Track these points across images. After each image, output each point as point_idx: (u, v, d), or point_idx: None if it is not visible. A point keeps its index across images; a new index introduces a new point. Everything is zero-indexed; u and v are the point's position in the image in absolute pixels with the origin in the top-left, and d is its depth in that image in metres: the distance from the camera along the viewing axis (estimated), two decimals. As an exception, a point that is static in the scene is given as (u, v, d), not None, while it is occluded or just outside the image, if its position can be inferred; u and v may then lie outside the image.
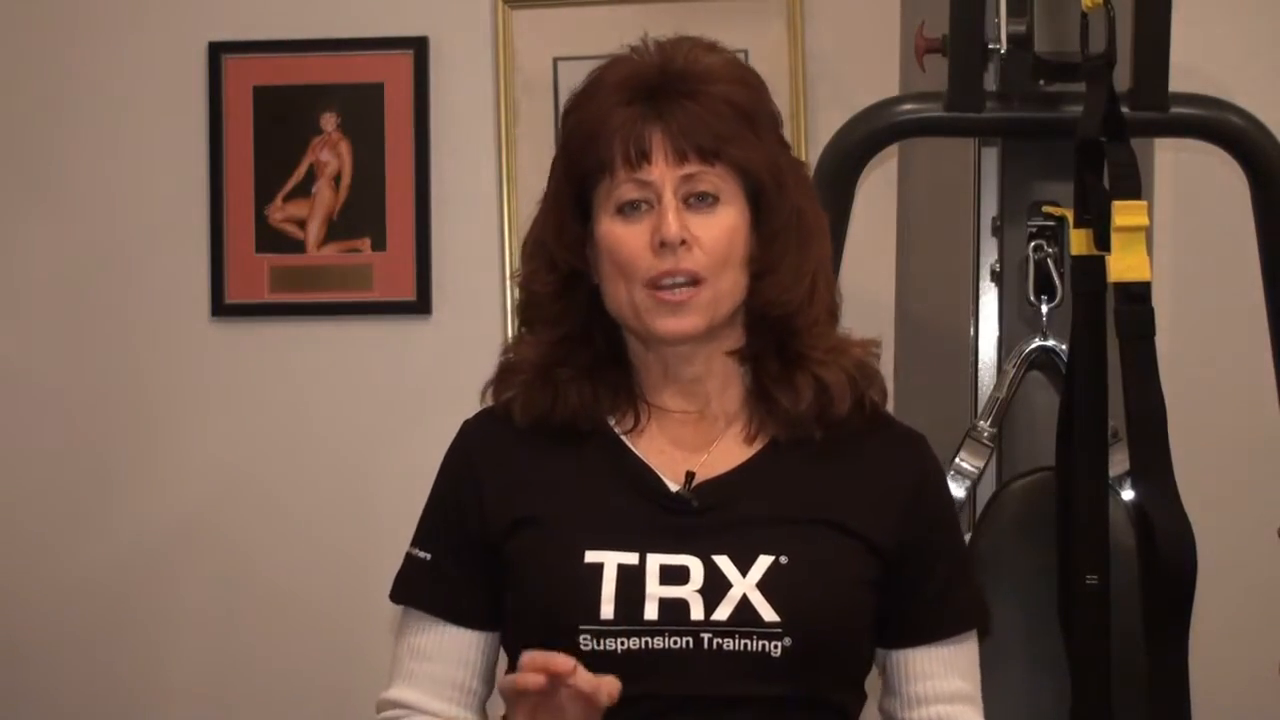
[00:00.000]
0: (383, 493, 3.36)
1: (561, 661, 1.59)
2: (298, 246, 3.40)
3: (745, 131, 1.77)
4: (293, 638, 3.38)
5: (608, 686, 1.60)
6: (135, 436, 3.41)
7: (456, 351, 3.36)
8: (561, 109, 1.87)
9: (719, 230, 1.75)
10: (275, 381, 3.41)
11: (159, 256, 3.42)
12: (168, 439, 3.41)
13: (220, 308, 3.41)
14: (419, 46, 3.38)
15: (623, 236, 1.76)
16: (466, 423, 1.89)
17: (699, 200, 1.75)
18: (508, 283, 3.35)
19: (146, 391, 3.42)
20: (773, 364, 1.80)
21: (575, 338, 1.82)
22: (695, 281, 1.75)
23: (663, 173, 1.74)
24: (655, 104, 1.75)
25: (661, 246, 1.73)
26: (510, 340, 1.88)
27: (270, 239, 3.40)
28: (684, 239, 1.73)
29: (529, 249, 1.85)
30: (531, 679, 1.59)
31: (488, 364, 3.53)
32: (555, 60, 3.35)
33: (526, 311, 1.85)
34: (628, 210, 1.76)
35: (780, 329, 1.79)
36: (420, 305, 3.38)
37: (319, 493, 3.39)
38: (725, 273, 1.76)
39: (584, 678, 1.60)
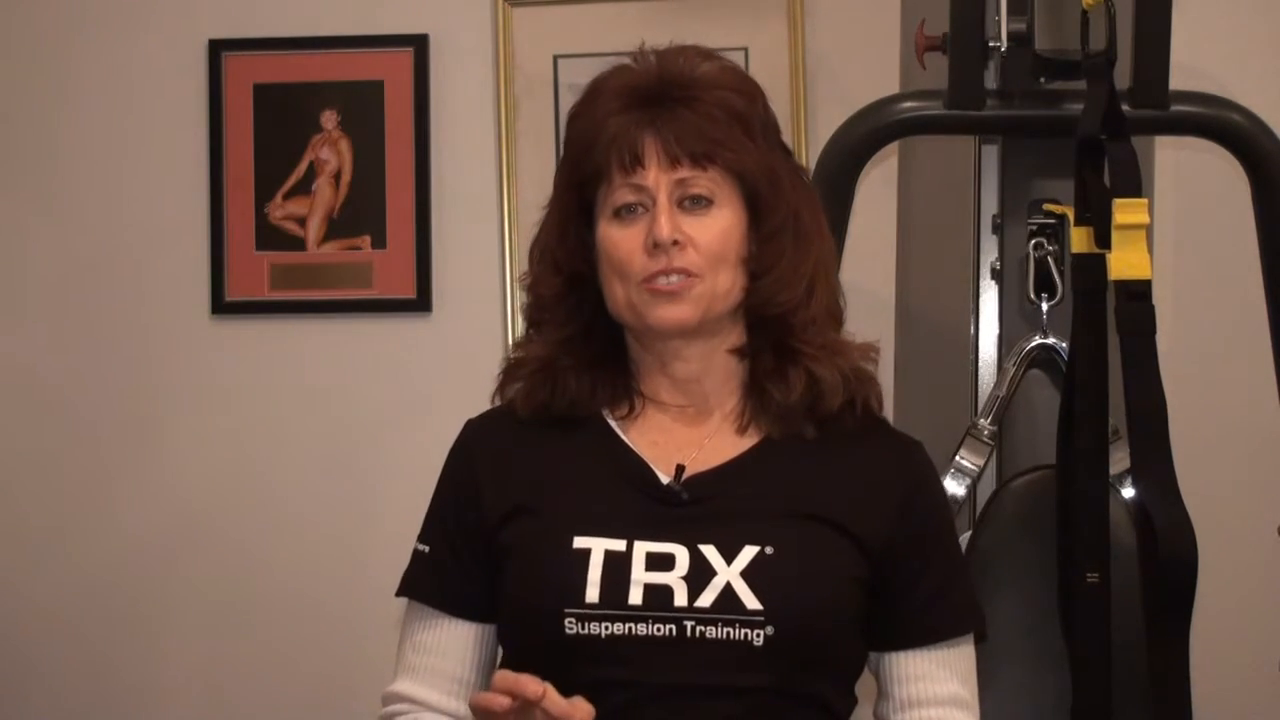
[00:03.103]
0: (383, 489, 3.36)
1: (531, 686, 1.60)
2: (298, 244, 3.40)
3: (739, 135, 1.80)
4: (293, 634, 3.38)
5: (581, 712, 1.62)
6: (136, 434, 3.41)
7: (456, 349, 3.37)
8: (565, 116, 1.90)
9: (712, 231, 1.79)
10: (275, 379, 3.41)
11: (159, 254, 3.42)
12: (168, 436, 3.41)
13: (220, 305, 3.41)
14: (419, 44, 3.38)
15: (618, 239, 1.80)
16: (470, 421, 1.92)
17: (693, 203, 1.79)
18: (508, 280, 3.36)
19: (147, 389, 3.42)
20: (767, 358, 1.83)
21: (579, 337, 1.85)
22: (688, 275, 1.78)
23: (656, 176, 1.78)
24: (650, 110, 1.79)
25: (655, 247, 1.77)
26: (519, 339, 1.91)
27: (270, 236, 3.40)
28: (676, 239, 1.77)
29: (535, 254, 1.88)
30: (496, 699, 1.61)
31: (488, 361, 3.52)
32: (555, 58, 3.35)
33: (533, 314, 1.89)
34: (624, 213, 1.80)
35: (778, 327, 1.82)
36: (420, 303, 3.38)
37: (319, 490, 3.39)
38: (720, 271, 1.79)
39: (555, 702, 1.61)
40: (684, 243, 1.77)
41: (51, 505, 3.42)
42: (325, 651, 3.37)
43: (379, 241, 3.39)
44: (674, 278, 1.78)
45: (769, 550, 1.73)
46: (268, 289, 3.40)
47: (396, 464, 3.35)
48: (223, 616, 3.40)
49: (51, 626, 3.41)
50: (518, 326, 3.32)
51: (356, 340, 3.40)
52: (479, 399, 1.98)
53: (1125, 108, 2.20)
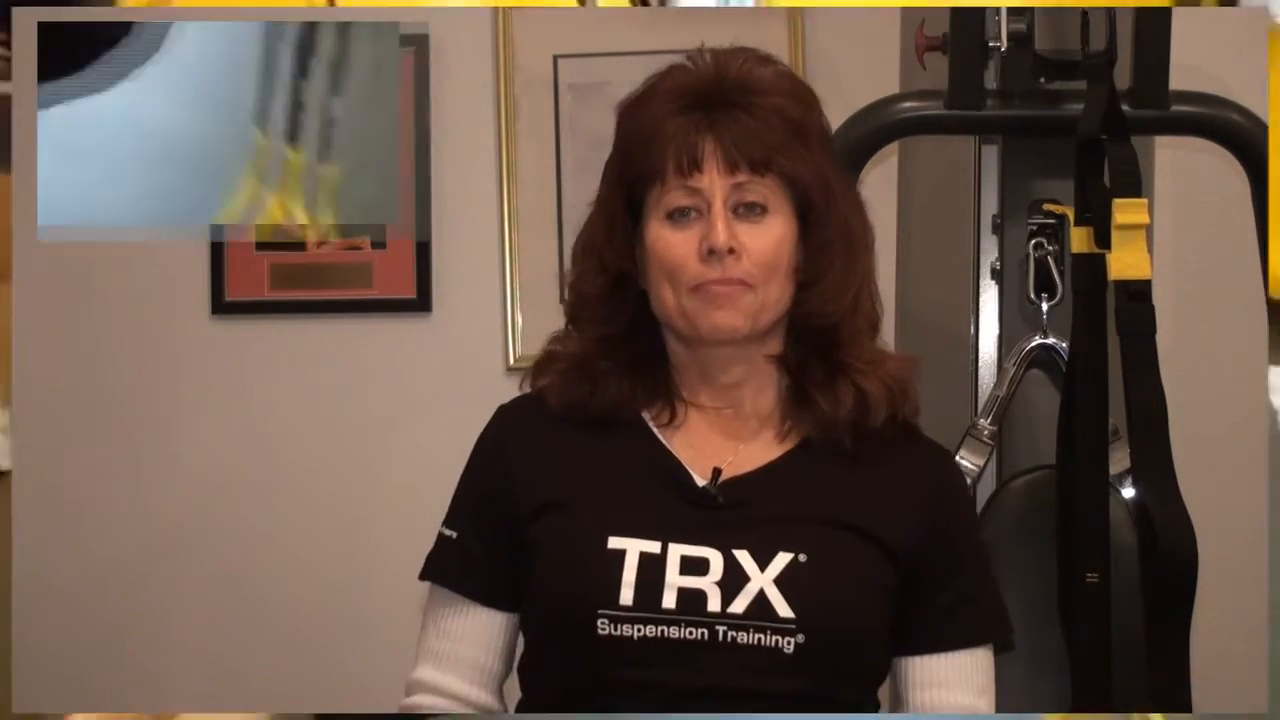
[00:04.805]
0: (383, 490, 3.36)
1: None
2: (298, 244, 3.39)
3: (796, 144, 1.80)
4: (293, 634, 3.38)
5: None
6: (135, 434, 3.41)
7: (456, 349, 3.36)
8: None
9: (766, 240, 1.79)
10: (275, 379, 3.41)
11: (159, 254, 3.41)
12: (168, 437, 3.41)
13: (220, 305, 3.41)
14: (419, 44, 3.38)
15: (671, 242, 1.79)
16: (502, 406, 1.92)
17: (748, 210, 1.79)
18: (508, 280, 3.35)
19: (147, 389, 3.41)
20: (817, 370, 1.83)
21: (620, 337, 1.85)
22: (743, 285, 1.78)
23: (713, 181, 1.78)
24: (709, 113, 1.79)
25: (709, 254, 1.77)
26: (555, 334, 1.90)
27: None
28: (731, 247, 1.77)
29: (579, 250, 1.88)
30: None
31: (488, 361, 3.55)
32: (555, 58, 3.35)
33: (575, 311, 1.88)
34: (677, 216, 1.80)
35: (823, 338, 1.83)
36: (420, 303, 3.38)
37: (319, 490, 3.39)
38: (772, 281, 1.79)
39: None
40: (739, 251, 1.77)
41: (51, 504, 3.42)
42: (326, 648, 3.37)
43: (379, 241, 3.39)
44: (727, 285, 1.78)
45: (802, 558, 1.74)
46: (268, 289, 3.40)
47: (396, 464, 3.35)
48: (222, 615, 3.40)
49: (48, 625, 3.41)
50: (518, 326, 3.32)
51: (356, 340, 3.40)
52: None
53: (1125, 108, 2.20)
